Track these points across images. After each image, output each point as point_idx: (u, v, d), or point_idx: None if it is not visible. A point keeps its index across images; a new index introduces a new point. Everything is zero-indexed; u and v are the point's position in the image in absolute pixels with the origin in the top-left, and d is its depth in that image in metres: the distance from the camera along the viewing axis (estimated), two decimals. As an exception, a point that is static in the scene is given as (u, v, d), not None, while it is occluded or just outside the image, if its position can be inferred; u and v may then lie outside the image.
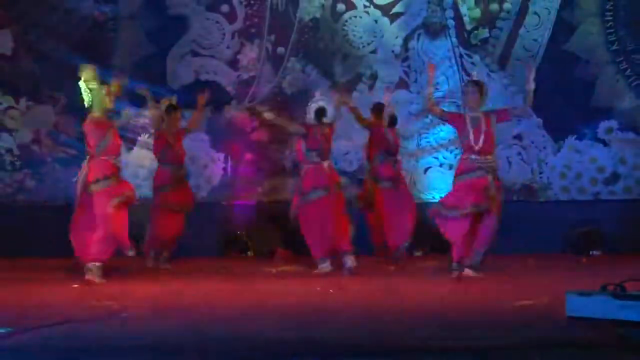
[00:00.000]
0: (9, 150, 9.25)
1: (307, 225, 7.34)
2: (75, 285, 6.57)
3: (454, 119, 6.92)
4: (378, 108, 7.95)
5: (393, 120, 7.97)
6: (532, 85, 6.76)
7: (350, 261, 7.21)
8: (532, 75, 6.75)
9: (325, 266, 7.29)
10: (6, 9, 9.25)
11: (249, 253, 9.01)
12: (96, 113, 6.90)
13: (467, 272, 6.68)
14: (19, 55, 9.21)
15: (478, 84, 6.85)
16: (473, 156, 6.70)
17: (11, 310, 5.36)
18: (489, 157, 6.74)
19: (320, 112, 7.35)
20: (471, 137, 6.68)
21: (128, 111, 7.36)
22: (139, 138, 9.16)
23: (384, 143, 7.89)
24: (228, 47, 9.25)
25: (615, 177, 9.14)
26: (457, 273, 6.68)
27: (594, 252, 8.67)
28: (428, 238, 9.01)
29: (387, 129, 7.91)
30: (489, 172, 6.71)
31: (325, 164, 7.37)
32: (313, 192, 7.31)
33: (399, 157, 8.08)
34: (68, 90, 9.06)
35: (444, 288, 6.25)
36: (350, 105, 7.75)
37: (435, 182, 9.13)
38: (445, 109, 7.03)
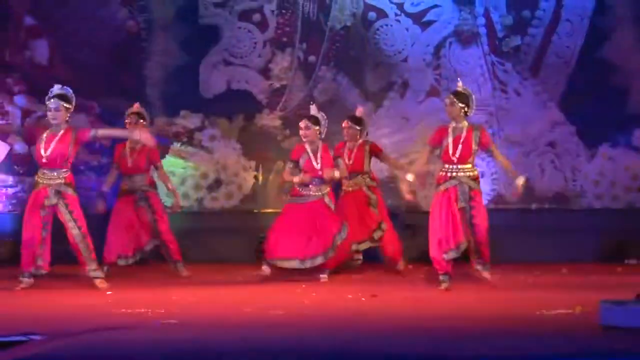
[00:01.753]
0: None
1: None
2: (110, 293, 6.69)
3: (434, 140, 6.94)
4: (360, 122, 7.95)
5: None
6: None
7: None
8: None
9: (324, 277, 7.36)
10: (42, 19, 9.36)
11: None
12: None
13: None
14: (54, 65, 9.31)
15: (457, 95, 6.87)
16: (447, 165, 6.81)
17: (46, 317, 5.45)
18: (466, 166, 6.81)
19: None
20: (449, 146, 6.77)
21: None
22: (171, 145, 9.25)
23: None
24: (260, 56, 9.29)
25: (649, 185, 9.09)
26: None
27: (629, 261, 8.60)
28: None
29: None
30: (463, 182, 6.79)
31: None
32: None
33: None
34: (102, 99, 9.21)
35: (476, 297, 6.28)
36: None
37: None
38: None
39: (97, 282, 6.96)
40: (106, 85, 9.19)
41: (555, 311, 5.29)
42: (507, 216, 8.75)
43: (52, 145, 6.87)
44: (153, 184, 7.98)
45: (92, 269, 6.98)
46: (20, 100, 9.33)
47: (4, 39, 9.31)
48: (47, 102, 6.94)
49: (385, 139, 9.02)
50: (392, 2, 9.19)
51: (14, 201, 9.33)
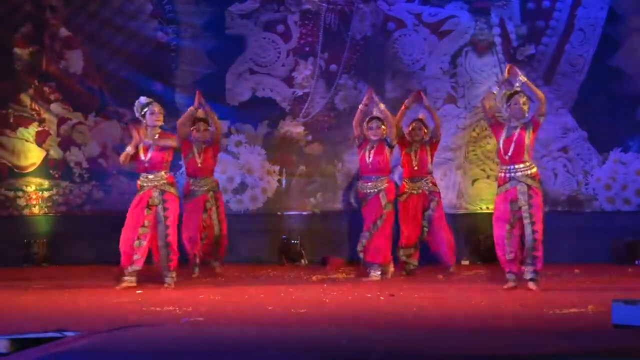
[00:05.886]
0: (78, 163, 9.60)
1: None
2: (139, 292, 6.81)
3: (495, 126, 6.84)
4: None
5: None
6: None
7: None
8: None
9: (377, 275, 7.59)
10: (77, 31, 9.62)
11: (302, 261, 9.20)
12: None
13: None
14: (88, 74, 9.56)
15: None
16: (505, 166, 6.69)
17: (80, 314, 5.57)
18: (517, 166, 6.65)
19: None
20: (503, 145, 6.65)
21: None
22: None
23: None
24: (283, 65, 9.48)
25: (660, 189, 9.15)
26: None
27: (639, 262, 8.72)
28: (475, 247, 9.24)
29: None
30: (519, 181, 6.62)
31: None
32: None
33: None
34: (133, 106, 9.47)
35: (490, 296, 6.28)
36: None
37: (483, 194, 9.28)
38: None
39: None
40: (137, 93, 9.26)
41: (568, 310, 5.32)
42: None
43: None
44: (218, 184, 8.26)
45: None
46: (56, 107, 9.61)
47: (41, 49, 9.58)
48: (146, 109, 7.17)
49: (403, 144, 9.28)
50: (410, 13, 9.36)
51: (49, 204, 9.60)
